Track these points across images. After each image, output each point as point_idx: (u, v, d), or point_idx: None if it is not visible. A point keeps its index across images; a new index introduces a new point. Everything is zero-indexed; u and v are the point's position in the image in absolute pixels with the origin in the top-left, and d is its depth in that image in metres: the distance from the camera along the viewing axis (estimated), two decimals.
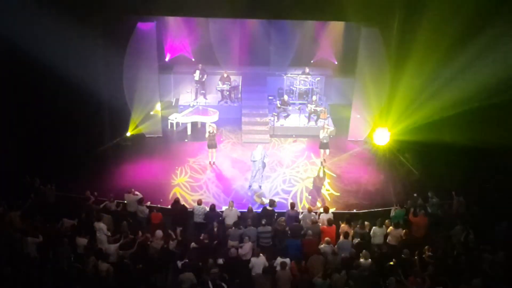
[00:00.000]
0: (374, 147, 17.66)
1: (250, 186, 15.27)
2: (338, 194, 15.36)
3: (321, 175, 14.45)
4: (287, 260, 11.06)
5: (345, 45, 20.23)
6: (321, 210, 13.23)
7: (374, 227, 12.40)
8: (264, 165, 15.06)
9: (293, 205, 13.25)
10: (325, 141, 16.46)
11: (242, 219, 12.76)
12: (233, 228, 12.19)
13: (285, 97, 19.16)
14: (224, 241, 12.18)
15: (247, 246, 11.71)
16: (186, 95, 19.95)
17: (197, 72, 19.55)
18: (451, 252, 11.79)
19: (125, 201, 13.31)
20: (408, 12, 15.31)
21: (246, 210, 13.08)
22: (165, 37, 19.87)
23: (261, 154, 14.91)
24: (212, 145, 16.30)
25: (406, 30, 15.81)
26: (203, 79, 19.82)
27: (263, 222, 12.35)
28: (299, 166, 16.90)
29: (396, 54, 16.54)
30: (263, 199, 14.60)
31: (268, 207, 13.15)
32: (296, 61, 20.79)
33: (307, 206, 13.72)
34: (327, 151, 16.75)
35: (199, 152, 17.32)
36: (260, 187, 15.24)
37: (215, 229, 12.40)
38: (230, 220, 12.66)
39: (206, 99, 19.87)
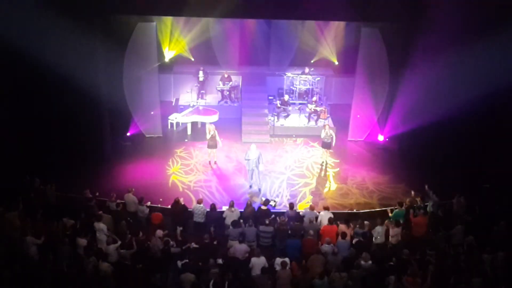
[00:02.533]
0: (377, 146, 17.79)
1: (250, 186, 15.27)
2: (339, 193, 15.39)
3: (322, 174, 14.49)
4: (287, 259, 11.06)
5: (345, 45, 20.24)
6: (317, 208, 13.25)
7: (377, 227, 12.39)
8: (258, 165, 14.97)
9: (292, 206, 13.24)
10: (326, 140, 16.45)
11: (243, 217, 12.76)
12: (231, 227, 12.18)
13: (285, 97, 19.15)
14: (223, 241, 12.18)
15: (239, 247, 11.63)
16: (186, 95, 19.95)
17: (201, 72, 19.57)
18: (451, 252, 11.79)
19: (125, 201, 13.31)
20: (408, 12, 15.30)
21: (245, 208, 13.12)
22: (165, 37, 19.85)
23: (255, 154, 14.85)
24: (212, 145, 16.30)
25: (406, 30, 15.82)
26: (206, 80, 19.86)
27: (267, 222, 12.34)
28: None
29: (396, 53, 16.56)
30: (263, 199, 14.59)
31: (262, 207, 13.14)
32: (296, 61, 20.79)
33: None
34: (329, 151, 16.75)
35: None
36: (259, 189, 15.19)
37: (212, 231, 12.39)
38: (230, 221, 12.62)
39: (204, 99, 19.87)
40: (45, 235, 11.61)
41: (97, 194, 13.33)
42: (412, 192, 13.74)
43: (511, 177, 14.50)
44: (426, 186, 13.67)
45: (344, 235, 11.90)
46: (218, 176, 16.13)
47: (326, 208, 13.00)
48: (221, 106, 19.82)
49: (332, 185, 15.81)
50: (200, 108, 19.18)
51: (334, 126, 18.56)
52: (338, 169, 16.64)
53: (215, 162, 16.66)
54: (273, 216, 12.87)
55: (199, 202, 13.04)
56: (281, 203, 14.58)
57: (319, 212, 13.01)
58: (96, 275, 10.71)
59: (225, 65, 20.46)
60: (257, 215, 12.87)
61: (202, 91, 19.94)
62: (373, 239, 12.30)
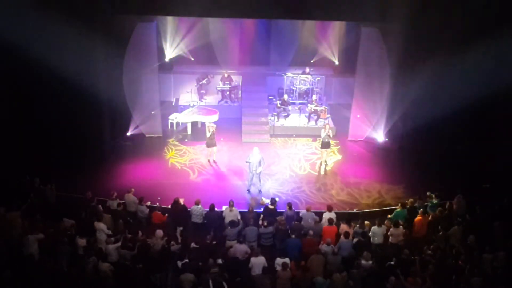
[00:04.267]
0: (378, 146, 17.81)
1: (248, 190, 15.22)
2: (339, 192, 15.40)
3: (322, 173, 14.46)
4: (287, 260, 11.08)
5: (345, 45, 20.21)
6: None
7: (373, 227, 12.40)
8: (261, 166, 14.95)
9: (290, 206, 13.24)
10: (326, 140, 16.46)
11: (243, 219, 12.76)
12: (229, 228, 12.19)
13: (285, 97, 19.13)
14: (223, 241, 12.18)
15: (239, 247, 11.64)
16: (186, 95, 19.94)
17: (206, 79, 19.68)
18: (451, 252, 11.79)
19: (125, 201, 13.30)
20: (409, 12, 15.29)
21: (246, 210, 13.11)
22: (165, 37, 19.85)
23: (256, 157, 14.81)
24: (211, 144, 16.32)
25: (407, 29, 15.81)
26: (208, 83, 20.01)
27: (265, 223, 12.35)
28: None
29: (396, 53, 16.55)
30: (264, 199, 14.60)
31: (269, 206, 13.13)
32: (296, 61, 20.74)
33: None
34: (329, 150, 16.75)
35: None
36: (260, 191, 15.17)
37: (212, 234, 12.40)
38: (229, 220, 12.64)
39: (204, 99, 19.87)
40: (45, 235, 11.60)
41: (96, 198, 13.29)
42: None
43: (511, 177, 14.50)
44: (428, 193, 13.66)
45: (346, 235, 11.90)
46: (217, 175, 16.16)
47: (329, 209, 12.99)
48: (221, 106, 19.81)
49: (332, 181, 15.91)
50: (201, 108, 19.16)
51: (334, 126, 18.58)
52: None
53: (214, 161, 16.68)
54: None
55: (197, 203, 13.01)
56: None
57: (316, 213, 13.00)
58: (96, 275, 10.72)
59: (225, 65, 20.44)
60: (264, 214, 12.91)
61: (202, 91, 19.94)
62: (371, 240, 12.31)
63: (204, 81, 19.77)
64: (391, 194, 15.30)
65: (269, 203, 13.28)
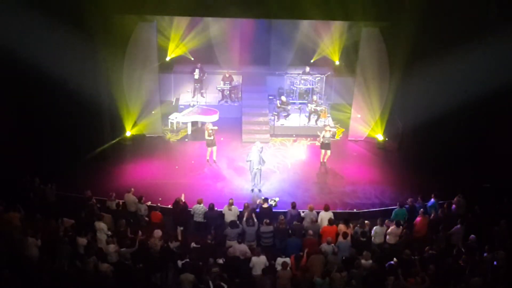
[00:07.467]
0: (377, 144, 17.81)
1: (252, 190, 15.23)
2: (339, 192, 15.40)
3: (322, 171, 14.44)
4: (288, 259, 11.08)
5: (345, 45, 20.21)
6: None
7: (375, 227, 12.40)
8: (263, 163, 14.94)
9: (294, 205, 13.24)
10: (326, 141, 16.44)
11: (245, 218, 12.77)
12: (229, 228, 12.20)
13: (283, 98, 19.09)
14: (223, 241, 12.19)
15: (238, 247, 11.64)
16: (186, 95, 19.94)
17: (197, 70, 19.57)
18: (451, 252, 11.79)
19: (125, 201, 13.31)
20: (409, 12, 15.29)
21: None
22: (166, 37, 19.84)
23: (256, 155, 14.80)
24: (211, 144, 16.34)
25: (407, 29, 15.82)
26: (203, 78, 19.85)
27: (267, 221, 12.36)
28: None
29: (396, 53, 16.55)
30: (262, 197, 14.59)
31: (263, 206, 13.15)
32: (296, 61, 20.75)
33: None
34: (328, 151, 16.72)
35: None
36: (260, 190, 15.18)
37: (212, 232, 12.42)
38: (229, 219, 12.67)
39: (203, 97, 19.85)
40: (45, 234, 11.60)
41: (96, 198, 13.29)
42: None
43: (511, 177, 14.50)
44: (433, 195, 13.64)
45: (345, 235, 11.90)
46: (218, 175, 16.16)
47: (326, 208, 12.99)
48: (222, 105, 19.81)
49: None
50: (201, 107, 19.16)
51: (335, 125, 18.61)
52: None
53: (215, 161, 16.67)
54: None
55: (199, 202, 13.06)
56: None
57: (318, 212, 13.01)
58: (96, 275, 10.72)
59: (225, 64, 20.45)
60: (259, 215, 12.89)
61: (202, 90, 19.93)
62: (372, 239, 12.31)
63: (196, 73, 19.53)
64: (391, 194, 15.30)
65: (262, 203, 13.27)
